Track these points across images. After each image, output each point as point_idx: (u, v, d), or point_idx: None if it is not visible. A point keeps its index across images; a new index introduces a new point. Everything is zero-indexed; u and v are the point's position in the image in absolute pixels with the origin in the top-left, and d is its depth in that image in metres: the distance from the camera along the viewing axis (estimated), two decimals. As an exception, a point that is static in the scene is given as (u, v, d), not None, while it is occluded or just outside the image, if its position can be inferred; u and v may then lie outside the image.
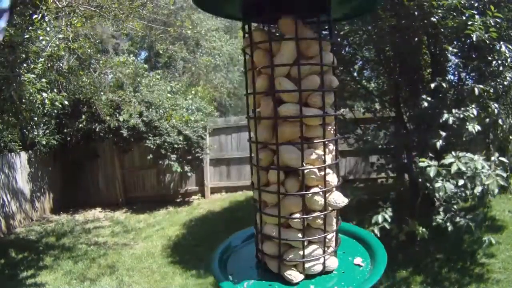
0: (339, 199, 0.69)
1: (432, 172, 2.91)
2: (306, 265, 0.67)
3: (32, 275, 4.35)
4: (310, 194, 0.66)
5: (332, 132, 0.69)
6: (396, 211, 3.33)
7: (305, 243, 0.67)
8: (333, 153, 0.70)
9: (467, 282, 3.50)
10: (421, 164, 3.02)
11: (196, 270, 4.25)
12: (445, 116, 3.23)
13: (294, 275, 0.66)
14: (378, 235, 3.15)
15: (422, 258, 3.92)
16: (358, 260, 0.72)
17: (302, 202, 0.65)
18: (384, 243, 0.72)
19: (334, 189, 0.69)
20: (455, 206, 3.26)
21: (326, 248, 0.68)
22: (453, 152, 2.98)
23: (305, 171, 0.65)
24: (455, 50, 3.54)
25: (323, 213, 0.67)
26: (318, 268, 0.68)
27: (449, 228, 3.16)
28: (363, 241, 0.77)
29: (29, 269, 4.50)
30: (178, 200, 7.27)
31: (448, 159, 2.92)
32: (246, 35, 0.69)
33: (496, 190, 2.89)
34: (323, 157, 0.66)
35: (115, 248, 5.09)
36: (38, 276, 4.31)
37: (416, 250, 4.00)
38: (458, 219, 3.14)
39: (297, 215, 0.66)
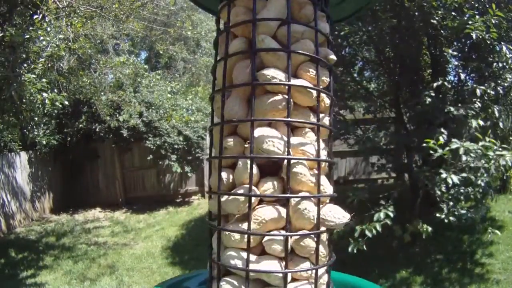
0: (337, 214, 0.47)
1: (438, 152, 2.83)
2: None
3: (32, 274, 4.35)
4: (296, 200, 0.45)
5: (326, 121, 0.52)
6: (397, 211, 3.33)
7: (288, 279, 0.44)
8: (327, 150, 0.52)
9: (467, 282, 3.50)
10: (428, 144, 2.93)
11: (196, 270, 4.25)
12: (450, 108, 3.22)
13: None
14: (380, 232, 3.13)
15: (423, 258, 3.93)
16: None
17: (286, 213, 0.44)
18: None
19: (328, 199, 0.50)
20: (457, 206, 3.25)
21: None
22: (457, 140, 2.93)
23: (292, 166, 0.45)
24: (455, 53, 3.54)
25: (314, 231, 0.45)
26: None
27: (452, 221, 3.10)
28: None
29: (29, 268, 4.50)
30: (178, 200, 7.27)
31: (454, 145, 2.86)
32: None
33: (508, 162, 2.78)
34: (315, 148, 0.47)
35: (115, 248, 5.09)
36: (38, 276, 4.31)
37: (416, 251, 4.00)
38: (460, 211, 3.10)
39: (276, 233, 0.45)
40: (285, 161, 0.45)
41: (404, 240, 3.66)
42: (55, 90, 3.97)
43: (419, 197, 3.67)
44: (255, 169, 0.45)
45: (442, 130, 3.28)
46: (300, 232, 0.45)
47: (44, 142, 5.76)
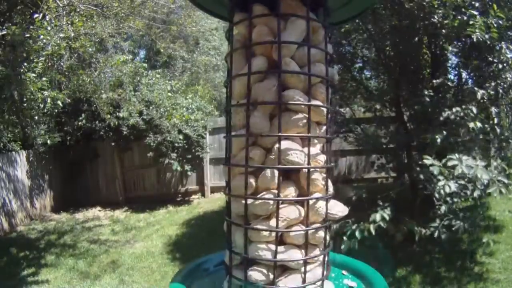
0: (339, 208, 0.58)
1: (435, 171, 2.89)
2: None
3: (34, 273, 4.36)
4: (313, 201, 0.55)
5: (326, 132, 0.61)
6: (396, 211, 3.34)
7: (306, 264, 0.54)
8: (327, 155, 0.61)
9: (466, 281, 3.51)
10: (425, 161, 2.99)
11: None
12: (447, 112, 3.23)
13: None
14: (373, 233, 3.14)
15: (422, 257, 3.93)
16: (348, 282, 0.64)
17: (306, 211, 0.54)
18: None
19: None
20: (454, 206, 3.26)
21: (325, 270, 0.57)
22: (456, 155, 2.97)
23: (311, 174, 0.54)
24: (455, 49, 3.53)
25: (324, 224, 0.56)
26: None
27: (443, 237, 3.17)
28: (355, 272, 0.67)
29: (30, 267, 4.52)
30: (178, 199, 7.28)
31: (452, 161, 2.90)
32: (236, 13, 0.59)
33: (498, 196, 2.88)
34: (325, 157, 0.57)
35: (115, 247, 5.11)
36: (39, 274, 4.33)
37: (415, 250, 4.00)
38: (454, 222, 3.14)
39: (295, 228, 0.54)
40: (305, 170, 0.54)
41: (396, 239, 3.67)
42: (56, 89, 3.98)
43: (419, 197, 3.68)
44: (277, 177, 0.53)
45: (442, 128, 3.29)
46: (315, 226, 0.55)
47: (45, 141, 5.76)
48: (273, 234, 0.53)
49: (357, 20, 3.65)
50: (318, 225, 0.55)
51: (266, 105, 0.54)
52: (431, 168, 2.92)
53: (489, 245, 3.24)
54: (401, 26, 3.56)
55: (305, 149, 0.55)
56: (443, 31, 3.26)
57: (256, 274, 0.53)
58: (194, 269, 0.68)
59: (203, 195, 7.33)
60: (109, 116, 5.69)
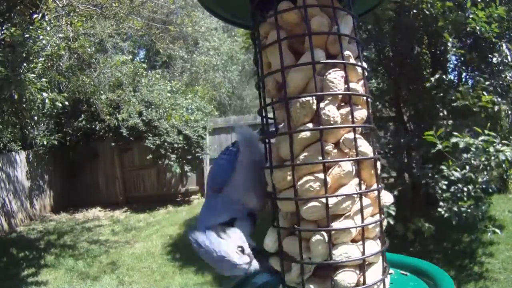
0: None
1: (438, 146, 2.77)
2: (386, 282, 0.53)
3: (34, 273, 4.36)
4: (376, 192, 0.54)
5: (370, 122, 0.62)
6: (398, 210, 3.33)
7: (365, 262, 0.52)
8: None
9: (466, 281, 3.51)
10: (428, 138, 2.88)
11: (196, 269, 4.25)
12: (452, 97, 3.21)
13: None
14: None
15: (422, 257, 3.91)
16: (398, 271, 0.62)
17: (378, 202, 0.54)
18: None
19: None
20: (457, 202, 3.24)
21: (385, 268, 0.55)
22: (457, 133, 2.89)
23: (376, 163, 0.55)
24: (455, 40, 3.50)
25: (381, 218, 0.54)
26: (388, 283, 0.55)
27: (452, 217, 3.08)
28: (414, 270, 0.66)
29: (30, 267, 4.51)
30: (178, 199, 7.27)
31: (454, 139, 2.82)
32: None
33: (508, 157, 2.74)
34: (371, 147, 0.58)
35: (115, 248, 5.10)
36: (39, 275, 4.32)
37: (415, 249, 4.00)
38: (461, 209, 3.08)
39: (370, 219, 0.53)
40: (372, 160, 0.54)
41: (408, 238, 3.65)
42: (55, 90, 3.98)
43: (420, 196, 3.67)
44: (355, 170, 0.52)
45: (444, 122, 3.27)
46: (377, 217, 0.54)
47: (44, 142, 5.76)
48: (359, 230, 0.51)
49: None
50: (379, 215, 0.55)
51: (336, 96, 0.52)
52: (435, 146, 2.78)
53: (495, 233, 3.20)
54: (401, 26, 3.56)
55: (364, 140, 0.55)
56: (443, 26, 3.22)
57: (347, 276, 0.49)
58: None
59: (203, 195, 7.33)
60: (108, 117, 5.69)
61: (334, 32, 0.53)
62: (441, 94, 3.46)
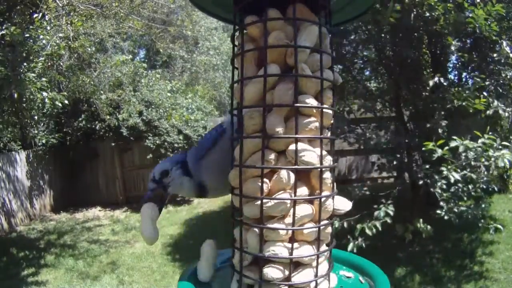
0: (343, 203, 0.61)
1: (438, 153, 2.78)
2: (319, 287, 0.57)
3: (34, 273, 4.36)
4: (324, 199, 0.57)
5: (331, 133, 0.65)
6: (397, 211, 3.33)
7: (318, 259, 0.57)
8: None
9: (466, 281, 3.51)
10: (427, 147, 2.87)
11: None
12: (451, 97, 3.21)
13: None
14: (380, 230, 3.13)
15: (422, 257, 3.93)
16: (345, 273, 0.66)
17: (318, 209, 0.57)
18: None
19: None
20: (458, 202, 3.23)
21: (330, 264, 0.60)
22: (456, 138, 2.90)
23: (323, 173, 0.57)
24: (458, 43, 3.50)
25: (331, 221, 0.59)
26: (325, 286, 0.59)
27: (452, 218, 3.08)
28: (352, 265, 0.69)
29: (30, 267, 4.51)
30: (178, 199, 7.27)
31: (453, 143, 2.83)
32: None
33: (506, 163, 2.74)
34: (331, 157, 0.60)
35: (115, 247, 5.10)
36: (39, 275, 4.33)
37: (415, 249, 4.01)
38: (460, 209, 3.08)
39: (308, 225, 0.56)
40: (318, 169, 0.56)
41: (406, 239, 3.66)
42: (55, 89, 3.98)
43: (420, 196, 3.67)
44: (293, 178, 0.55)
45: (443, 124, 3.27)
46: (324, 222, 0.58)
47: (44, 141, 5.77)
48: (289, 232, 0.55)
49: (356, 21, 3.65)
50: (326, 221, 0.58)
51: (282, 108, 0.56)
52: (433, 154, 2.80)
53: (498, 229, 3.20)
54: (401, 26, 3.55)
55: (316, 150, 0.57)
56: (443, 25, 3.22)
57: (272, 271, 0.54)
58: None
59: (203, 195, 7.33)
60: (108, 117, 5.69)
61: (291, 45, 0.55)
62: (441, 95, 3.46)
